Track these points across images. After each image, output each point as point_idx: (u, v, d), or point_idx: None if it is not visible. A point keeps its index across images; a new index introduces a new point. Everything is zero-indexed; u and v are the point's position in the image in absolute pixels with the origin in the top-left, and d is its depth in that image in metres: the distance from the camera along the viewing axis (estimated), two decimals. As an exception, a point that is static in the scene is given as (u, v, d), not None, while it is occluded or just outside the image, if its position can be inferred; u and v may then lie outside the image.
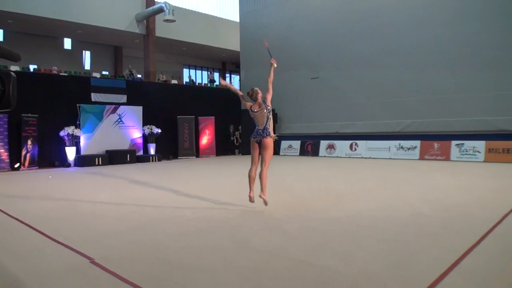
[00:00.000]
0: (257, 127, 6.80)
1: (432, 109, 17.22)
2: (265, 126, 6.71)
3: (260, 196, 6.57)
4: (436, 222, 5.60)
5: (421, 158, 17.08)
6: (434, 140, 17.00)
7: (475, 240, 4.59)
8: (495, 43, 15.63)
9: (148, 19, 23.84)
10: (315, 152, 21.02)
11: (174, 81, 23.57)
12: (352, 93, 19.77)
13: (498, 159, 15.36)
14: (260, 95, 6.77)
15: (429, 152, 17.02)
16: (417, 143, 17.49)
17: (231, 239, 4.91)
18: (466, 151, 16.23)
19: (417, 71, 17.65)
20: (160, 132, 19.64)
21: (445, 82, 16.89)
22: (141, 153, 19.14)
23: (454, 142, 16.62)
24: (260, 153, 6.71)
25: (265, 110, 6.69)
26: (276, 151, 21.96)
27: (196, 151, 21.71)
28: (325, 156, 20.36)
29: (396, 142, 18.21)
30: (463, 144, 16.36)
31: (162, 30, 24.46)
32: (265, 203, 6.60)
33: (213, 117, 22.22)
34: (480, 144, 15.98)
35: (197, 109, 22.12)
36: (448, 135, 16.83)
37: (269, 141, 6.63)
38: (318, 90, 21.09)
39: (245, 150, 22.91)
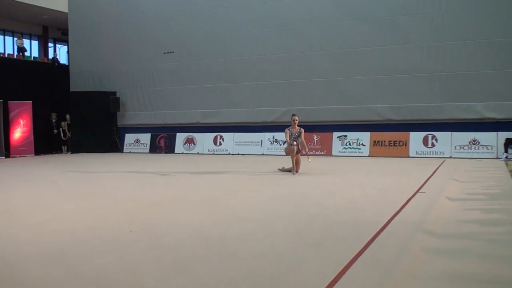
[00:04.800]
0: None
1: (311, 94, 18.30)
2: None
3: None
4: (315, 230, 5.91)
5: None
6: (314, 132, 18.07)
7: (359, 248, 4.93)
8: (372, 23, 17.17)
9: None
10: (170, 148, 20.94)
11: (-29, 51, 21.52)
12: (216, 74, 20.06)
13: (383, 153, 16.90)
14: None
15: (308, 146, 17.99)
16: (294, 135, 18.44)
17: (58, 268, 4.61)
18: (350, 144, 17.54)
19: (294, 47, 18.55)
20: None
21: (325, 63, 18.06)
22: None
23: (336, 134, 17.85)
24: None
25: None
26: (119, 148, 21.44)
27: (6, 149, 20.09)
28: (182, 153, 20.39)
29: (269, 135, 18.95)
30: (346, 136, 17.66)
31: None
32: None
33: (30, 102, 20.77)
34: (365, 136, 17.41)
35: (6, 91, 20.47)
36: (330, 125, 18.05)
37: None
38: (173, 70, 21.01)
39: (76, 147, 21.83)
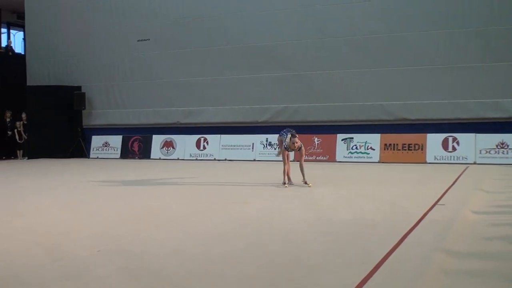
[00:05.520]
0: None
1: (310, 90, 18.31)
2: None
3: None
4: (316, 249, 5.91)
5: (297, 158, 18.02)
6: (314, 133, 18.12)
7: (367, 271, 4.93)
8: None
9: None
10: (144, 153, 20.87)
11: None
12: (199, 66, 20.01)
13: (396, 159, 16.94)
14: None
15: (307, 151, 17.98)
16: (291, 137, 18.45)
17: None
18: (356, 148, 17.55)
19: (291, 35, 18.57)
20: None
21: (327, 53, 18.08)
22: None
23: (340, 136, 17.87)
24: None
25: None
26: (84, 152, 21.35)
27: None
28: (159, 159, 20.33)
29: (262, 137, 18.92)
30: (352, 138, 17.67)
31: None
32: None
33: (-21, 98, 20.71)
34: (374, 139, 17.46)
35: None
36: (333, 126, 18.08)
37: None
38: (149, 60, 20.93)
39: (34, 151, 21.70)
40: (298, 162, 11.63)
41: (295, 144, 11.22)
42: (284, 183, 11.30)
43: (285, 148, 11.42)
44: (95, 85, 22.05)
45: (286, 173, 11.45)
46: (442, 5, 16.59)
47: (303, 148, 11.57)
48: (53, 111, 21.72)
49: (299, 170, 11.45)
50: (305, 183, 11.21)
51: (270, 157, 18.20)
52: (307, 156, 16.94)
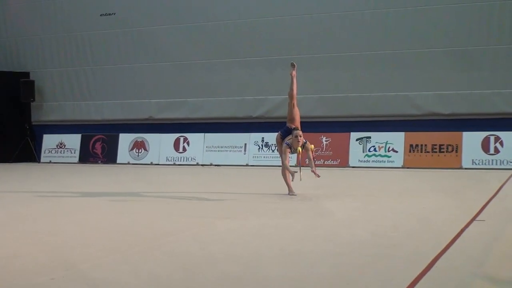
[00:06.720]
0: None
1: (317, 77, 18.25)
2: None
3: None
4: (323, 276, 5.93)
5: (304, 159, 18.06)
6: (322, 132, 18.18)
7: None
8: None
9: None
10: (109, 156, 20.85)
11: None
12: (178, 47, 20.03)
13: (424, 163, 16.99)
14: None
15: (313, 153, 18.04)
16: (292, 136, 18.49)
17: None
18: (375, 150, 17.56)
19: (293, 8, 18.60)
20: None
21: (338, 30, 18.16)
22: None
23: (354, 135, 17.88)
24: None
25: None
26: (34, 155, 21.33)
27: None
28: (128, 163, 20.31)
29: (256, 136, 18.91)
30: (369, 138, 17.68)
31: None
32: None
33: None
34: (397, 138, 17.53)
35: None
36: (345, 122, 18.13)
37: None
38: (114, 40, 20.93)
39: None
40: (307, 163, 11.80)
41: (299, 138, 11.41)
42: (293, 178, 11.37)
43: (287, 145, 11.56)
44: (47, 71, 22.01)
45: (289, 178, 11.56)
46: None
47: (308, 143, 11.69)
48: (-7, 103, 21.73)
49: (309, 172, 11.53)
50: (314, 172, 11.43)
51: (266, 161, 18.21)
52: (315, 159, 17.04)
